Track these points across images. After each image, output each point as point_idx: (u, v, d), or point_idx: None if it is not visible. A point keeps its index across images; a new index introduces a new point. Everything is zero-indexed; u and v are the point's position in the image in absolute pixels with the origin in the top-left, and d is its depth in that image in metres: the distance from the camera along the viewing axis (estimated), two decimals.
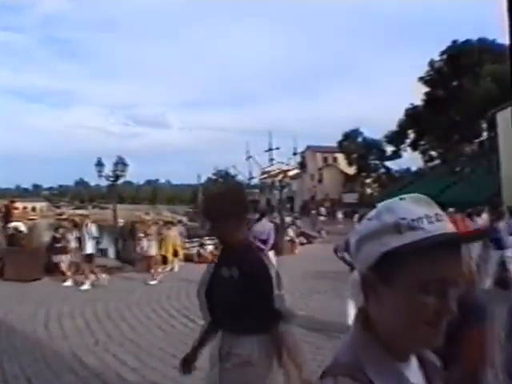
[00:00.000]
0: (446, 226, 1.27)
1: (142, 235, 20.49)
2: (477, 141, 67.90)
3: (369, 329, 1.32)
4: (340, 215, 57.69)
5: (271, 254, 14.61)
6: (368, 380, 1.24)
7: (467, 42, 67.62)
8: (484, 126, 60.50)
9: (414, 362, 1.38)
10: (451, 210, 17.29)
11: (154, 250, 18.48)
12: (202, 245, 26.22)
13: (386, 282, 1.28)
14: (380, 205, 1.37)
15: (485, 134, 63.13)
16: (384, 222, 1.29)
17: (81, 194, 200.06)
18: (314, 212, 53.50)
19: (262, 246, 14.53)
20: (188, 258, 24.01)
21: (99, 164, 25.29)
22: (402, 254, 1.23)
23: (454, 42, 68.76)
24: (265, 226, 15.13)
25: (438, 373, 1.47)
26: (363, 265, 1.32)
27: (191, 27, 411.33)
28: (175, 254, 21.88)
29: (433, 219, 1.26)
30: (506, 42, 2.50)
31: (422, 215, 1.26)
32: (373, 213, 1.35)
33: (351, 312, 8.61)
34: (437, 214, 1.28)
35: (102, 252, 23.25)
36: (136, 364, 8.20)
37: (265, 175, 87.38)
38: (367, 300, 1.34)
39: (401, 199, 1.34)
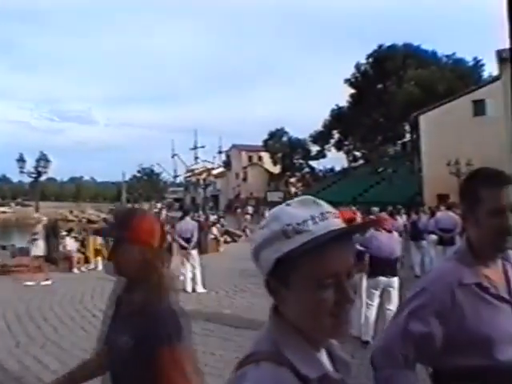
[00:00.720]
0: (332, 224, 1.33)
1: (64, 233, 20.18)
2: (400, 142, 69.70)
3: (283, 321, 1.38)
4: (267, 214, 58.18)
5: (194, 252, 14.68)
6: (290, 364, 1.30)
7: (393, 46, 69.53)
8: (407, 128, 61.86)
9: (325, 355, 1.45)
10: (375, 209, 17.64)
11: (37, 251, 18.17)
12: None
13: (285, 285, 1.34)
14: (269, 212, 1.44)
15: (407, 136, 64.68)
16: (273, 230, 1.35)
17: (2, 190, 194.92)
18: (239, 211, 53.58)
19: (185, 245, 14.52)
20: None
21: (21, 160, 24.75)
22: (294, 257, 1.30)
23: (380, 46, 70.65)
24: (188, 225, 15.10)
25: (347, 370, 1.52)
26: (263, 271, 1.39)
27: (118, 23, 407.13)
28: (97, 253, 21.48)
29: (318, 219, 1.32)
30: (507, 43, 2.55)
31: (307, 217, 1.32)
32: (264, 221, 1.42)
33: None
34: (322, 213, 1.34)
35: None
36: (57, 366, 7.92)
37: (190, 173, 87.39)
38: (275, 300, 1.40)
39: (287, 205, 1.40)
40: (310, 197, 1.41)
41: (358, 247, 9.13)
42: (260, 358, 1.32)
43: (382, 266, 8.87)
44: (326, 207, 1.38)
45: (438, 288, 2.23)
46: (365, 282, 9.28)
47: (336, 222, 1.35)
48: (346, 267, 1.32)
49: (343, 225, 1.36)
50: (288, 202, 1.42)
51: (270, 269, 1.35)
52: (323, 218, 1.33)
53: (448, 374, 2.25)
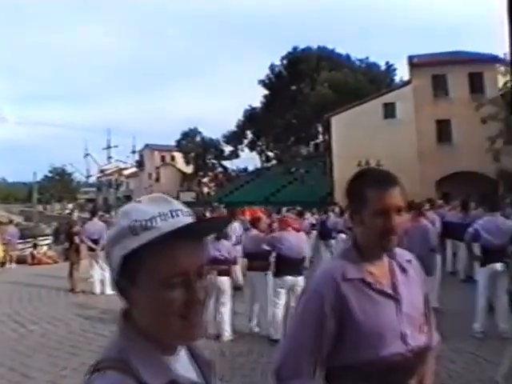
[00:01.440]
0: (182, 221, 1.30)
1: None
2: (312, 143, 70.55)
3: (132, 325, 1.35)
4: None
5: (103, 254, 14.42)
6: (134, 372, 1.26)
7: (307, 49, 70.49)
8: (319, 129, 62.57)
9: (184, 357, 1.44)
10: (285, 209, 17.82)
11: None
12: (35, 246, 25.26)
13: (133, 284, 1.31)
14: (120, 210, 1.41)
15: (320, 137, 65.47)
16: (121, 227, 1.32)
17: None
18: None
19: (93, 246, 14.32)
20: (21, 260, 23.01)
21: None
22: (141, 255, 1.27)
23: (295, 48, 71.51)
24: (96, 226, 14.93)
25: (210, 369, 1.53)
26: (113, 270, 1.35)
27: (30, 18, 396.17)
28: None
29: (167, 216, 1.30)
30: (507, 45, 2.65)
31: (156, 214, 1.30)
32: (115, 219, 1.40)
33: None
34: (172, 210, 1.32)
35: None
36: None
37: (102, 173, 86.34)
38: (126, 302, 1.37)
39: (137, 201, 1.38)
40: (161, 194, 1.40)
41: (265, 247, 9.25)
42: (105, 366, 1.28)
43: (289, 265, 8.99)
44: (178, 205, 1.36)
45: (323, 285, 2.25)
46: (271, 281, 9.39)
47: (187, 220, 1.32)
48: (195, 266, 1.30)
49: (191, 222, 1.34)
50: (139, 198, 1.40)
51: (118, 267, 1.32)
52: (173, 215, 1.31)
53: (336, 371, 2.28)
